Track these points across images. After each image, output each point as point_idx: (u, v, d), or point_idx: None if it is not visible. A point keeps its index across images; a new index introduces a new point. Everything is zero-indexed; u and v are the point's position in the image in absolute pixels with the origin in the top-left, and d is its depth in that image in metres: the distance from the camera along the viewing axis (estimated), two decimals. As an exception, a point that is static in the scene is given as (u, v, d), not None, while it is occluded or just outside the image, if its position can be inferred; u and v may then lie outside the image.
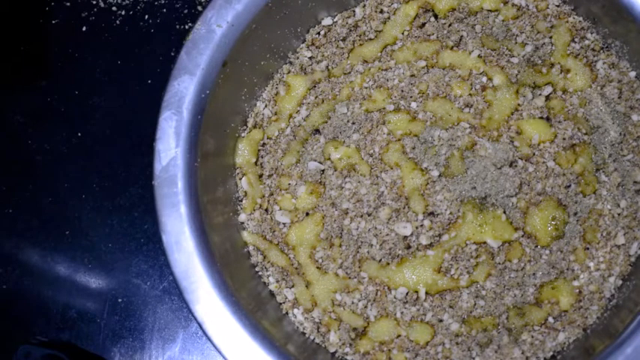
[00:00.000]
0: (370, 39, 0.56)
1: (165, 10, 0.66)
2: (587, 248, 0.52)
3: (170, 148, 0.49)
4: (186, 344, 0.61)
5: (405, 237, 0.52)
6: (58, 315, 0.62)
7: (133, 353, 0.61)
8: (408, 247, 0.52)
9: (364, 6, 0.57)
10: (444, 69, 0.55)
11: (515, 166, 0.52)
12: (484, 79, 0.54)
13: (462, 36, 0.55)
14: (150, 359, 0.61)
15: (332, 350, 0.52)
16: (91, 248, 0.63)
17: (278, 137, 0.56)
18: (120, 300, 0.62)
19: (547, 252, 0.52)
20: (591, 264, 0.51)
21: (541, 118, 0.53)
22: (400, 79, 0.55)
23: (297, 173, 0.55)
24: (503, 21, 0.55)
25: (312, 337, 0.52)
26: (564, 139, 0.52)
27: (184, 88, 0.50)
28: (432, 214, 0.52)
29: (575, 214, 0.52)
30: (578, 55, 0.54)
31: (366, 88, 0.55)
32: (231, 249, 0.52)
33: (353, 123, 0.55)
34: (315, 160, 0.55)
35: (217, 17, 0.51)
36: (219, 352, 0.47)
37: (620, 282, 0.51)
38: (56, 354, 0.58)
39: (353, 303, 0.53)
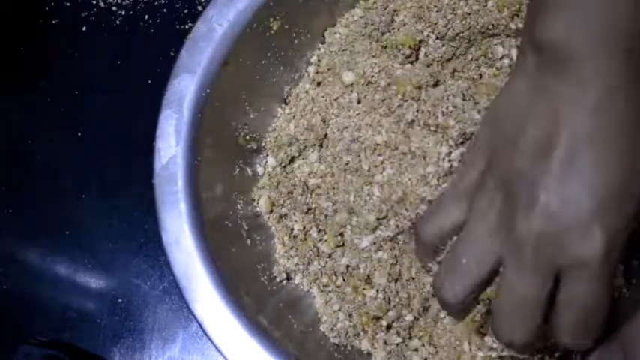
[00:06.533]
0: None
1: (165, 10, 0.66)
2: None
3: (170, 146, 0.49)
4: (186, 344, 0.61)
5: None
6: (58, 315, 0.62)
7: (132, 353, 0.61)
8: None
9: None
10: None
11: None
12: None
13: None
14: (150, 359, 0.61)
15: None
16: (91, 248, 0.63)
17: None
18: (120, 300, 0.62)
19: None
20: None
21: None
22: None
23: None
24: None
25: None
26: None
27: (184, 87, 0.50)
28: None
29: None
30: None
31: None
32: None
33: None
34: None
35: (218, 16, 0.51)
36: (219, 351, 0.47)
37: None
38: (56, 354, 0.58)
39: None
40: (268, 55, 0.54)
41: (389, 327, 0.52)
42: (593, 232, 0.39)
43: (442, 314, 0.51)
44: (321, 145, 0.55)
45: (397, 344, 0.51)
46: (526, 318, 0.41)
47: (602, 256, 0.39)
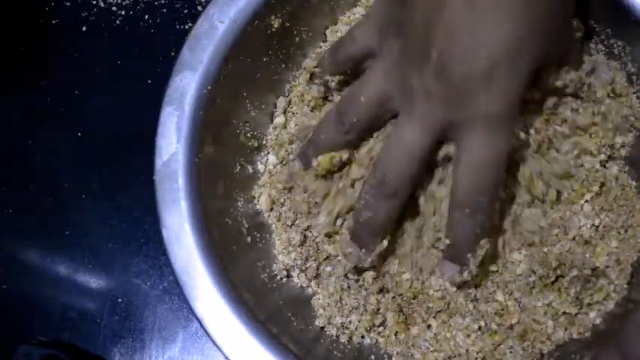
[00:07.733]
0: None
1: (165, 10, 0.66)
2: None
3: (171, 143, 0.49)
4: (186, 344, 0.61)
5: None
6: (58, 315, 0.62)
7: (132, 353, 0.61)
8: None
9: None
10: None
11: None
12: None
13: None
14: (150, 359, 0.60)
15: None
16: (91, 248, 0.63)
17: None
18: (120, 300, 0.62)
19: None
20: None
21: None
22: None
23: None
24: None
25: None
26: None
27: (186, 84, 0.50)
28: None
29: None
30: None
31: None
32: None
33: None
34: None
35: (220, 13, 0.51)
36: (219, 349, 0.47)
37: None
38: (56, 354, 0.58)
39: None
40: (270, 52, 0.54)
41: None
42: (486, 90, 0.39)
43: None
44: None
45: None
46: (405, 162, 0.42)
47: (495, 112, 0.39)
